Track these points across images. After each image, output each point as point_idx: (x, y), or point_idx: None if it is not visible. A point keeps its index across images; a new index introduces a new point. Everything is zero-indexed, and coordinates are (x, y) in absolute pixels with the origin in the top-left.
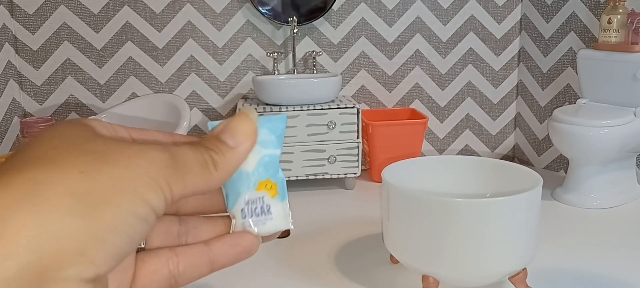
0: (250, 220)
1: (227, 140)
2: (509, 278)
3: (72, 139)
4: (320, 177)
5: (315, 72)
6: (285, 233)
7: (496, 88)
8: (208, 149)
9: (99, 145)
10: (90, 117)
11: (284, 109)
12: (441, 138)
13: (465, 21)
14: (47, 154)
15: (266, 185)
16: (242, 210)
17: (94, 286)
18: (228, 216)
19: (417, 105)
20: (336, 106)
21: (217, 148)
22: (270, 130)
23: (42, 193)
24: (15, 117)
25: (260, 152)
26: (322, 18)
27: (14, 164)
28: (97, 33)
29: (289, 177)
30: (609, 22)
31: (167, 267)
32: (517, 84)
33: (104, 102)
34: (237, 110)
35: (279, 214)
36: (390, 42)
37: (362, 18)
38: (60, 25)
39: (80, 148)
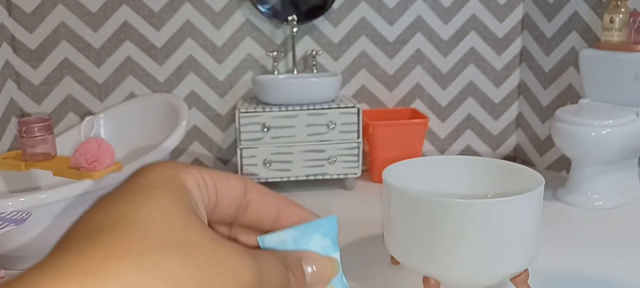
0: None
1: (307, 271)
2: (510, 280)
3: (170, 222)
4: (320, 177)
5: (315, 71)
6: None
7: (498, 87)
8: (289, 270)
9: (192, 242)
10: (180, 163)
11: (283, 108)
12: (442, 138)
13: (466, 20)
14: (143, 245)
15: None
16: None
17: None
18: None
19: (418, 104)
20: (336, 106)
21: (297, 274)
22: (324, 234)
23: None
24: (13, 116)
25: None
26: (322, 17)
27: (108, 243)
28: (95, 32)
29: (288, 178)
30: (611, 22)
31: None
32: (519, 84)
33: (102, 102)
34: (237, 110)
35: None
36: (391, 41)
37: (363, 17)
38: (58, 24)
39: (173, 244)
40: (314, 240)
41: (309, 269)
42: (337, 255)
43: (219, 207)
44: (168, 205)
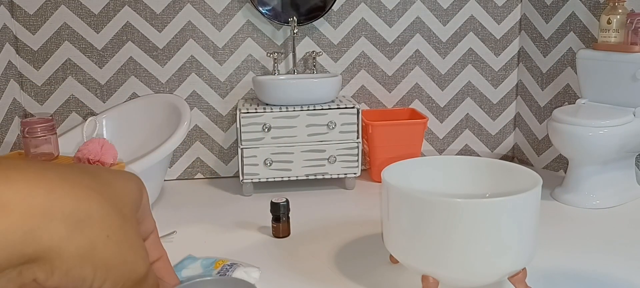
0: None
1: None
2: (508, 278)
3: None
4: (320, 177)
5: (315, 72)
6: (286, 234)
7: (496, 88)
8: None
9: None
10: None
11: (284, 108)
12: (441, 138)
13: (465, 21)
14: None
15: None
16: None
17: None
18: None
19: (416, 105)
20: (336, 106)
21: None
22: None
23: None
24: (16, 117)
25: None
26: (322, 18)
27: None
28: (97, 33)
29: (289, 177)
30: (609, 23)
31: None
32: (517, 84)
33: (104, 102)
34: (238, 110)
35: None
36: (390, 42)
37: (362, 18)
38: (61, 26)
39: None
40: None
41: None
42: None
43: None
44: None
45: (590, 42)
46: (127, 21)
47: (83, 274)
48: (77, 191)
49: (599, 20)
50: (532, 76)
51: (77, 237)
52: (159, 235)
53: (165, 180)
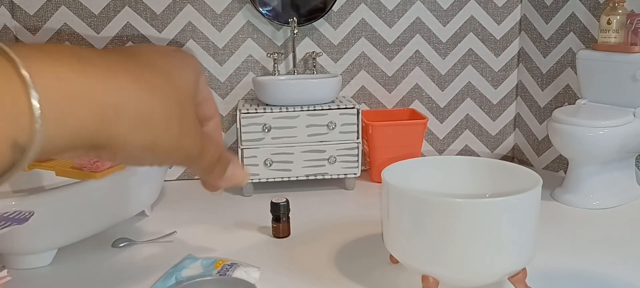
0: None
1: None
2: (508, 278)
3: (187, 87)
4: (320, 177)
5: (315, 72)
6: (286, 234)
7: (496, 88)
8: (221, 160)
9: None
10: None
11: (284, 109)
12: (441, 138)
13: (465, 22)
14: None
15: None
16: None
17: None
18: None
19: (416, 105)
20: (336, 107)
21: (224, 164)
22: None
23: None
24: None
25: None
26: (322, 19)
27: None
28: (97, 34)
29: (289, 178)
30: (609, 23)
31: None
32: (517, 85)
33: None
34: (238, 111)
35: None
36: (390, 42)
37: (362, 19)
38: (61, 26)
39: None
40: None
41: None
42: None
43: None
44: (191, 75)
45: (590, 42)
46: (128, 21)
47: (143, 159)
48: (141, 88)
49: (598, 21)
50: (532, 76)
51: (140, 132)
52: (160, 236)
53: (165, 181)
